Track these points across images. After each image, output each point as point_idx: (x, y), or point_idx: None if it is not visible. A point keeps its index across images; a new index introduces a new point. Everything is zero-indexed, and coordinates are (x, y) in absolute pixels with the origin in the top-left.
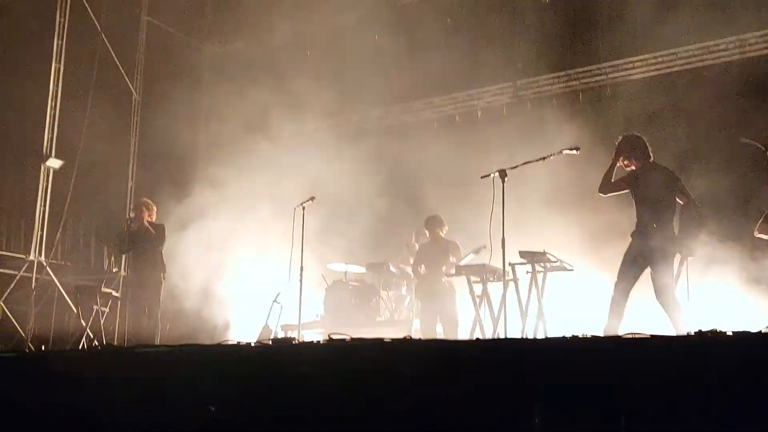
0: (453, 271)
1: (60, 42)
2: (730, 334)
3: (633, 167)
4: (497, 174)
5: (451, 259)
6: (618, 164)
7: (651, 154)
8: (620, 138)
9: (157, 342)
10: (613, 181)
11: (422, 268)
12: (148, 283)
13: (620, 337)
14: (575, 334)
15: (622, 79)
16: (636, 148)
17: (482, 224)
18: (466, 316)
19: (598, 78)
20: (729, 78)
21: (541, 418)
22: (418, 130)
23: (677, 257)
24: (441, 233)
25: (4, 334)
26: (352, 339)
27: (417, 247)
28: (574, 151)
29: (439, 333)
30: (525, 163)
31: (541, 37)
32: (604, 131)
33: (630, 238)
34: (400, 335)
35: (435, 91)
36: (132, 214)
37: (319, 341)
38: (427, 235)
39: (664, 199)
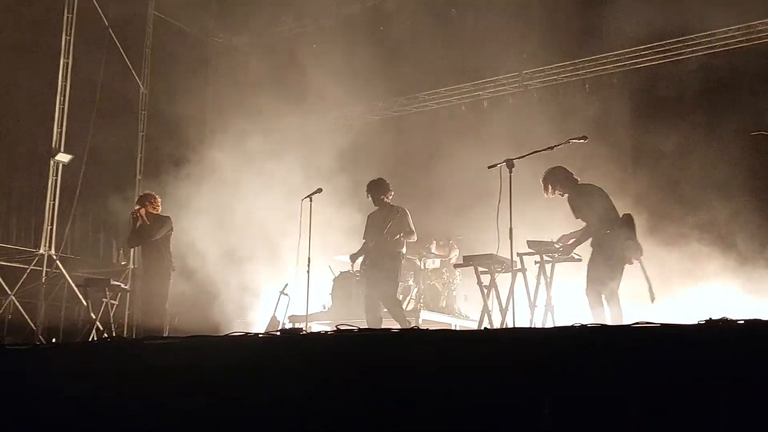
0: (398, 238)
1: (68, 37)
2: (741, 322)
3: (567, 194)
4: (504, 164)
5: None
6: (552, 196)
7: (576, 178)
8: (544, 174)
9: (166, 334)
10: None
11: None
12: (154, 276)
13: (630, 326)
14: (584, 324)
15: (628, 67)
16: (561, 178)
17: (490, 214)
18: (475, 307)
19: (604, 67)
20: (737, 66)
21: (550, 407)
22: (425, 121)
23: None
24: (386, 199)
25: (15, 327)
26: (360, 329)
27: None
28: (581, 140)
29: (385, 315)
30: (532, 153)
31: (547, 27)
32: (611, 120)
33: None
34: (407, 326)
35: (441, 81)
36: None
37: (327, 332)
38: (371, 201)
39: (603, 212)
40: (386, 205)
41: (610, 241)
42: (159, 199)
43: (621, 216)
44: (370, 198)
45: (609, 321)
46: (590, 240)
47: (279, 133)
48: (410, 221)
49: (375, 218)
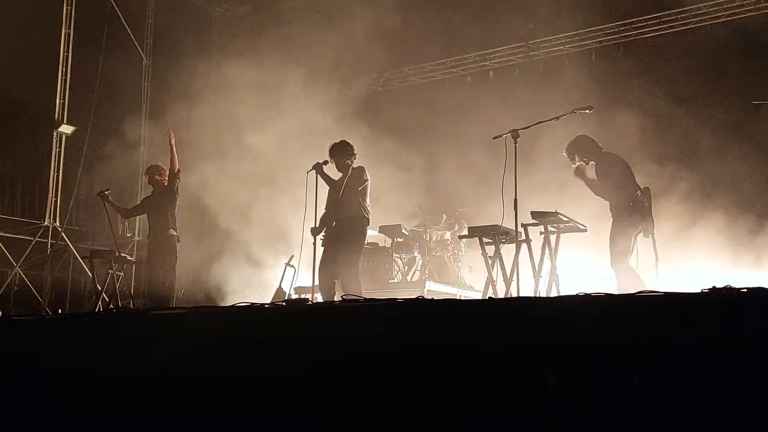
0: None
1: (69, 8)
2: (745, 290)
3: (593, 161)
4: (509, 134)
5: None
6: (580, 164)
7: (600, 146)
8: (567, 144)
9: (173, 305)
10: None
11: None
12: (162, 246)
13: (633, 294)
14: (588, 292)
15: (634, 37)
16: (586, 146)
17: (495, 185)
18: (480, 278)
19: (610, 37)
20: (746, 34)
21: (554, 375)
22: (430, 92)
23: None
24: (350, 164)
25: (22, 299)
26: (366, 300)
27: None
28: (587, 111)
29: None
30: (537, 123)
31: None
32: (618, 90)
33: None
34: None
35: (446, 52)
36: (145, 178)
37: (332, 302)
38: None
39: (622, 183)
40: (349, 168)
41: (631, 212)
42: (166, 170)
43: (641, 188)
44: (333, 162)
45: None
46: (611, 212)
47: (282, 105)
48: (365, 178)
49: (336, 184)
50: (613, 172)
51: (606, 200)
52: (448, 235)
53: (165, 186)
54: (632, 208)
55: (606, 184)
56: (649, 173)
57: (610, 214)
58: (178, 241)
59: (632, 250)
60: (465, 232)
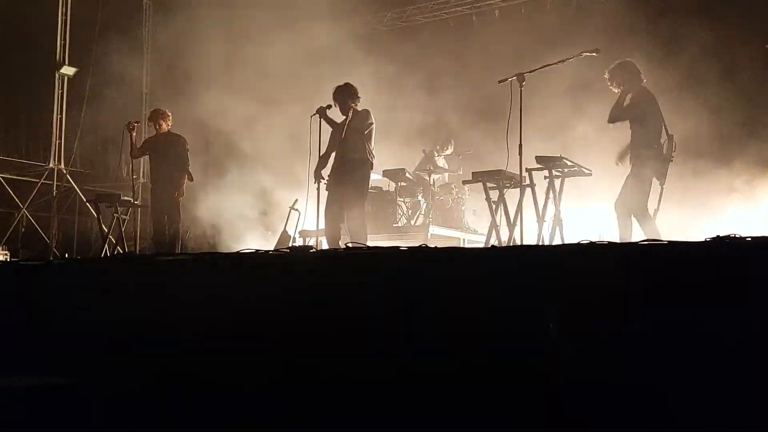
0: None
1: None
2: (749, 239)
3: (632, 92)
4: (515, 78)
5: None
6: (616, 90)
7: (643, 78)
8: (612, 65)
9: (178, 250)
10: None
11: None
12: (167, 192)
13: (637, 243)
14: (591, 240)
15: None
16: (631, 73)
17: (500, 128)
18: (483, 221)
19: None
20: None
21: (556, 322)
22: (433, 32)
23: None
24: (355, 107)
25: (30, 241)
26: (369, 248)
27: (437, 157)
28: (594, 54)
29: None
30: (543, 67)
31: None
32: (625, 30)
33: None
34: (416, 242)
35: None
36: (148, 122)
37: (336, 249)
38: (337, 107)
39: (653, 122)
40: (350, 111)
41: (656, 156)
42: (170, 115)
43: (668, 136)
44: (336, 106)
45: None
46: (630, 151)
47: (288, 45)
48: (370, 122)
49: (339, 127)
50: (650, 109)
51: (609, 123)
52: (447, 177)
53: (174, 134)
54: (656, 151)
55: (640, 119)
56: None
57: (629, 154)
58: (191, 180)
59: (647, 195)
60: (450, 151)
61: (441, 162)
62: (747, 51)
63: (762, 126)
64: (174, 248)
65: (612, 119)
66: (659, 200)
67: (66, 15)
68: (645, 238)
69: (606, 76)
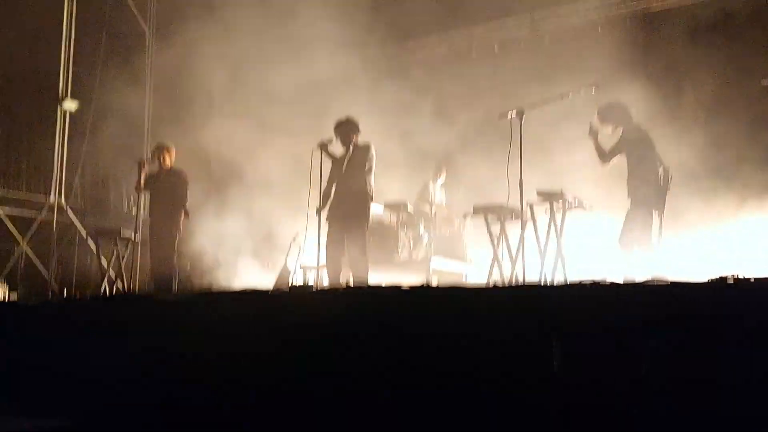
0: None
1: None
2: (753, 280)
3: (623, 129)
4: (515, 113)
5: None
6: (606, 130)
7: (632, 116)
8: (601, 106)
9: (175, 287)
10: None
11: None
12: (166, 228)
13: (640, 283)
14: (595, 280)
15: (642, 9)
16: (620, 113)
17: (500, 164)
18: (485, 253)
19: (618, 9)
20: (755, 8)
21: (561, 362)
22: (433, 67)
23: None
24: (356, 140)
25: (28, 277)
26: (369, 287)
27: (431, 185)
28: (593, 88)
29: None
30: (543, 102)
31: None
32: (625, 64)
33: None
34: (418, 276)
35: (450, 24)
36: (150, 157)
37: (336, 289)
38: (338, 141)
39: (648, 157)
40: (354, 145)
41: (650, 191)
42: (174, 150)
43: (664, 168)
44: (338, 140)
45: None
46: (627, 186)
47: (289, 76)
48: (372, 156)
49: (340, 160)
50: (639, 145)
51: (604, 166)
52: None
53: (175, 170)
54: (652, 185)
55: (631, 157)
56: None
57: (627, 188)
58: (186, 217)
59: (649, 228)
60: (442, 179)
61: (437, 189)
62: (743, 86)
63: (757, 158)
64: (171, 285)
65: (606, 159)
66: (660, 231)
67: (69, 50)
68: (648, 272)
69: (597, 116)
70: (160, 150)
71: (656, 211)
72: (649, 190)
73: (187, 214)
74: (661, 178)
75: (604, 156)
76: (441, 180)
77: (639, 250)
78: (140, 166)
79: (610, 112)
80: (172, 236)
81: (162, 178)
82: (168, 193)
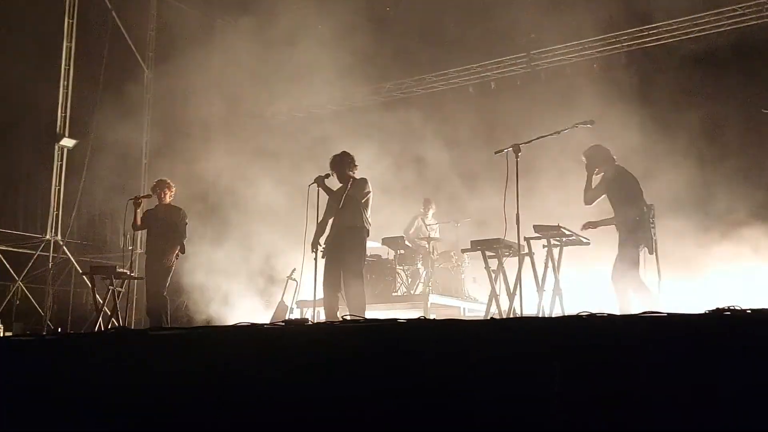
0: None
1: (71, 21)
2: (749, 311)
3: (605, 173)
4: (511, 149)
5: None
6: (592, 174)
7: (614, 158)
8: (586, 150)
9: (167, 321)
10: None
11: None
12: (161, 263)
13: (637, 315)
14: (592, 312)
15: (637, 47)
16: (603, 156)
17: (496, 198)
18: (483, 289)
19: (613, 47)
20: (747, 44)
21: (559, 397)
22: (432, 103)
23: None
24: (352, 174)
25: (24, 313)
26: (366, 320)
27: (420, 220)
28: (588, 125)
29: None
30: (539, 138)
31: (554, 6)
32: (621, 101)
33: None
34: (416, 311)
35: (448, 62)
36: (149, 193)
37: (333, 322)
38: (334, 176)
39: (632, 197)
40: (350, 179)
41: (637, 228)
42: (174, 187)
43: (647, 205)
44: (334, 174)
45: (637, 307)
46: (616, 227)
47: (283, 116)
48: (368, 191)
49: (336, 195)
50: (622, 186)
51: (587, 205)
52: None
53: (174, 206)
54: (638, 224)
55: (616, 197)
56: (652, 185)
57: (616, 229)
58: (182, 252)
59: (638, 266)
60: (431, 214)
61: (431, 223)
62: (739, 121)
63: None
64: (164, 319)
65: (589, 200)
66: (658, 269)
67: (67, 88)
68: (643, 308)
69: (583, 160)
70: (161, 186)
71: (644, 249)
72: (635, 230)
73: (183, 249)
74: (645, 216)
75: (587, 196)
76: (431, 214)
77: (633, 291)
78: (135, 204)
79: (593, 156)
80: (167, 271)
81: (161, 214)
82: (167, 229)
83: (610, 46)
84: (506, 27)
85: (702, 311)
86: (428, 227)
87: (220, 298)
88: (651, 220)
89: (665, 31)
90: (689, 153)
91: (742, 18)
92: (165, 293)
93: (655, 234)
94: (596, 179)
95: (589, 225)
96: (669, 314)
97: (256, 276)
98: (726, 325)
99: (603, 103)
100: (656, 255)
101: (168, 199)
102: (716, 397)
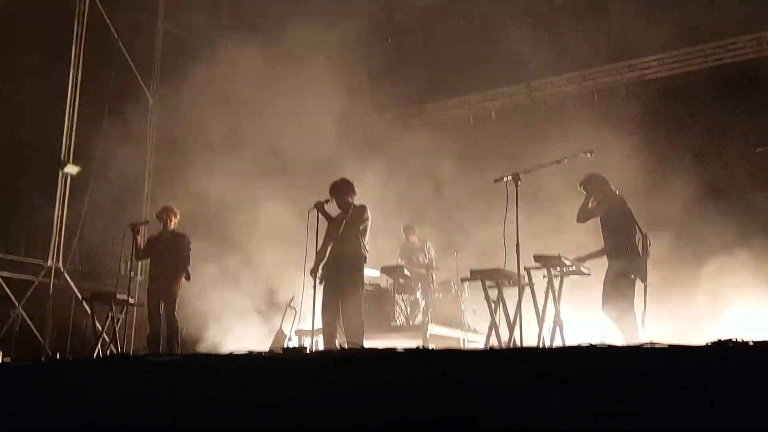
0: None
1: (77, 49)
2: (752, 343)
3: (598, 200)
4: (510, 178)
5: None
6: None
7: (611, 186)
8: (583, 178)
9: (177, 350)
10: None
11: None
12: (165, 289)
13: (638, 346)
14: (592, 343)
15: (637, 78)
16: (600, 186)
17: (497, 228)
18: (483, 320)
19: (612, 78)
20: (748, 76)
21: (560, 428)
22: (433, 133)
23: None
24: (351, 201)
25: (23, 340)
26: (364, 349)
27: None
28: (589, 155)
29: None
30: (539, 167)
31: (554, 37)
32: (620, 131)
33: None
34: (415, 341)
35: (448, 93)
36: (147, 220)
37: (330, 350)
38: (334, 202)
39: (625, 226)
40: (350, 206)
41: (629, 259)
42: (179, 214)
43: (642, 235)
44: (333, 201)
45: (623, 339)
46: (608, 254)
47: (287, 145)
48: (367, 218)
49: (336, 221)
50: (614, 215)
51: (579, 223)
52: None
53: (178, 233)
54: (630, 253)
55: (606, 225)
56: (648, 215)
57: (607, 258)
58: (188, 279)
59: (629, 297)
60: (415, 239)
61: (427, 250)
62: (735, 155)
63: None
64: (172, 346)
65: (582, 219)
66: (645, 299)
67: (72, 116)
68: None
69: (579, 188)
70: (167, 212)
71: (638, 279)
72: (626, 259)
73: (188, 276)
74: (639, 246)
75: (581, 215)
76: (415, 239)
77: (623, 322)
78: (134, 231)
79: (589, 184)
80: (173, 298)
81: (163, 240)
82: (171, 255)
83: (610, 77)
84: (507, 57)
85: (703, 343)
86: (422, 251)
87: (217, 324)
88: (648, 249)
89: (665, 63)
90: (688, 185)
91: (743, 50)
92: (176, 318)
93: (647, 263)
94: (592, 204)
95: (577, 261)
96: (671, 345)
97: (256, 302)
98: (728, 357)
99: (603, 133)
100: (645, 286)
101: (172, 226)
102: (719, 429)
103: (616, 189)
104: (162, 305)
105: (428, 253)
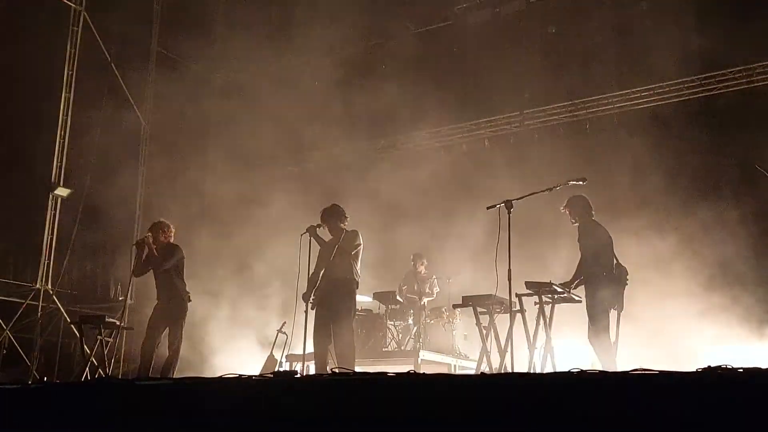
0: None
1: (70, 72)
2: (741, 370)
3: (578, 223)
4: (503, 205)
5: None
6: (571, 221)
7: (592, 213)
8: (568, 199)
9: (174, 374)
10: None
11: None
12: (167, 311)
13: (628, 372)
14: (582, 369)
15: (629, 108)
16: (580, 207)
17: (489, 254)
18: (474, 346)
19: (605, 107)
20: (740, 107)
21: None
22: (425, 159)
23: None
24: (343, 226)
25: (11, 363)
26: (355, 373)
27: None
28: (581, 183)
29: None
30: (531, 194)
31: (547, 67)
32: (612, 160)
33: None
34: (406, 366)
35: (442, 120)
36: (150, 233)
37: (321, 375)
38: (325, 228)
39: (604, 254)
40: (341, 231)
41: (601, 284)
42: (172, 228)
43: (618, 265)
44: (325, 227)
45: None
46: (584, 283)
47: (278, 170)
48: (357, 243)
49: (328, 246)
50: (592, 239)
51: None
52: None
53: (168, 245)
54: (606, 280)
55: (583, 249)
56: (638, 243)
57: (584, 285)
58: (189, 300)
59: (602, 321)
60: (423, 267)
61: (431, 279)
62: (730, 176)
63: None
64: (172, 367)
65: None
66: (617, 328)
67: (64, 138)
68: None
69: (563, 210)
70: (157, 227)
71: (615, 308)
72: (602, 287)
73: (189, 298)
74: (615, 275)
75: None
76: (423, 269)
77: (602, 352)
78: (139, 247)
79: (575, 206)
80: (181, 313)
81: (159, 253)
82: (165, 274)
83: (602, 107)
84: (500, 86)
85: (694, 369)
86: (427, 283)
87: (209, 348)
88: (625, 280)
89: (656, 94)
90: (679, 212)
91: (734, 82)
92: (177, 345)
93: (622, 294)
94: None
95: (566, 286)
96: (660, 372)
97: (247, 327)
98: (717, 384)
99: (595, 163)
100: (618, 317)
101: (164, 240)
102: None
103: (597, 215)
104: (168, 330)
105: (432, 288)
